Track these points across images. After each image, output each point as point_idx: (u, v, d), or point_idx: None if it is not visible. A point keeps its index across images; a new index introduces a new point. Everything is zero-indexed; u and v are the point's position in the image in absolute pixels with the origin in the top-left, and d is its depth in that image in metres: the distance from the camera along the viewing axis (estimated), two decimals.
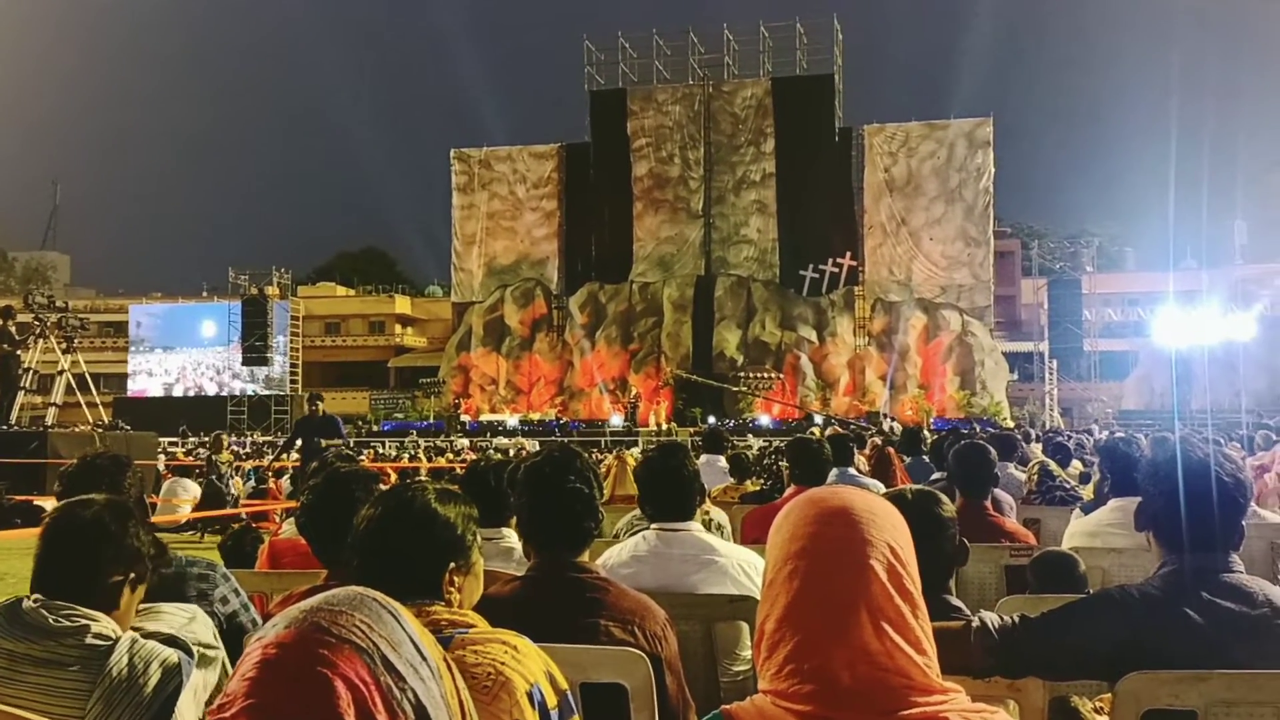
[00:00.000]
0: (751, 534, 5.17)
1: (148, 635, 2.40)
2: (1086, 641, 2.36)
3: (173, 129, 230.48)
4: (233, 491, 14.98)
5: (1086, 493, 6.69)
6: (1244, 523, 2.51)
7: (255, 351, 48.74)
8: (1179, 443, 2.54)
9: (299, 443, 13.80)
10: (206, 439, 37.18)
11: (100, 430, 19.07)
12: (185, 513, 16.01)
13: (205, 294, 63.30)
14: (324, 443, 12.38)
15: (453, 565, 2.16)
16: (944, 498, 2.89)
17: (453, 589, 2.16)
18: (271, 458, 15.02)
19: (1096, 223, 75.64)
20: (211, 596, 3.20)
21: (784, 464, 6.78)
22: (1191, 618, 2.33)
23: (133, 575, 2.47)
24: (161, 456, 23.75)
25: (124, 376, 56.72)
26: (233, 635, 3.13)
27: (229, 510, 14.07)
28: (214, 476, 14.92)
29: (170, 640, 2.34)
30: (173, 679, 2.24)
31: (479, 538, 2.29)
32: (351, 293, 68.92)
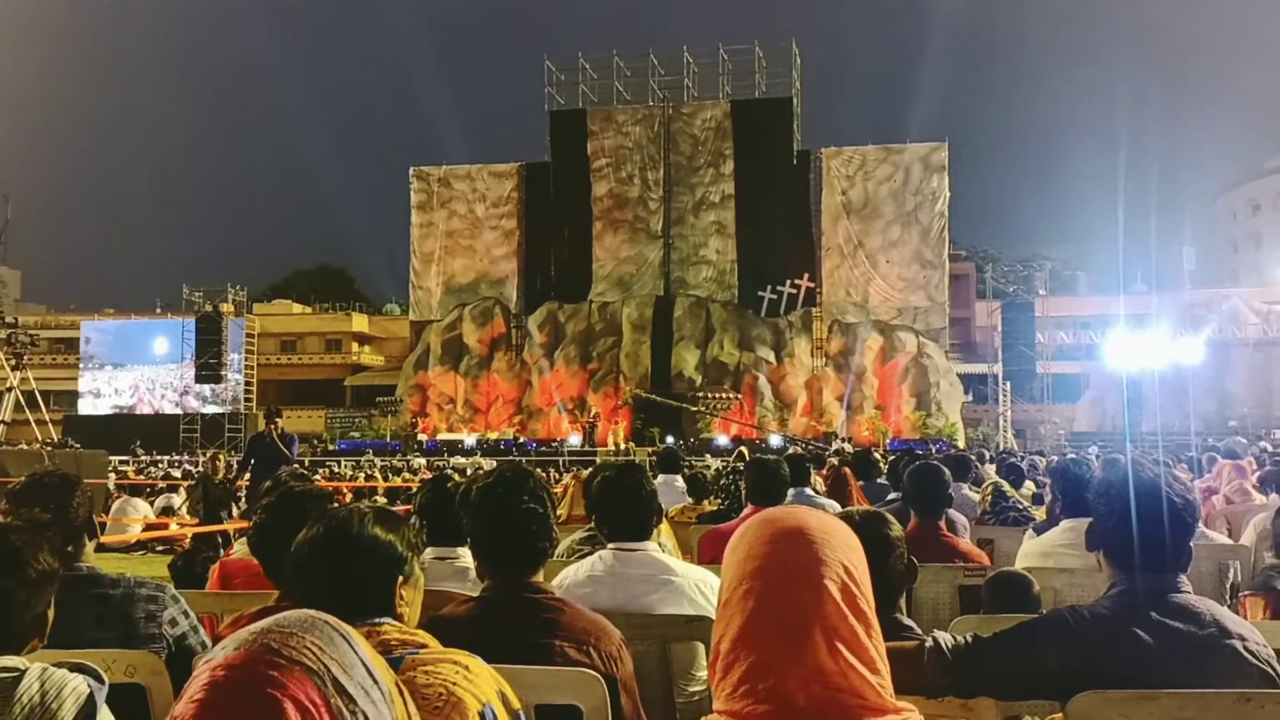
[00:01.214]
0: (709, 554, 5.17)
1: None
2: (1037, 661, 2.38)
3: (128, 144, 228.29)
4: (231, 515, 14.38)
5: (1039, 513, 6.75)
6: (1192, 544, 2.55)
7: (209, 369, 48.19)
8: (1130, 463, 2.57)
9: (251, 463, 13.09)
10: (187, 458, 36.71)
11: (50, 448, 18.78)
12: (135, 532, 15.78)
13: (159, 310, 62.57)
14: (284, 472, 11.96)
15: (400, 579, 2.17)
16: (892, 519, 2.92)
17: (403, 603, 2.16)
18: (231, 479, 14.51)
19: (1049, 246, 76.84)
20: (160, 618, 3.15)
21: (742, 484, 6.79)
22: (1141, 638, 2.36)
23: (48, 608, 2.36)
24: (112, 475, 23.41)
25: (75, 394, 55.88)
26: (181, 658, 3.09)
27: (177, 531, 13.74)
28: (204, 500, 14.52)
29: (78, 668, 2.26)
30: (85, 707, 2.17)
31: (418, 552, 2.29)
32: (308, 310, 68.33)
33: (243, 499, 14.46)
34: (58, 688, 2.14)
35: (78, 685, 2.16)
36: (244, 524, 12.83)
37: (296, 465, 12.53)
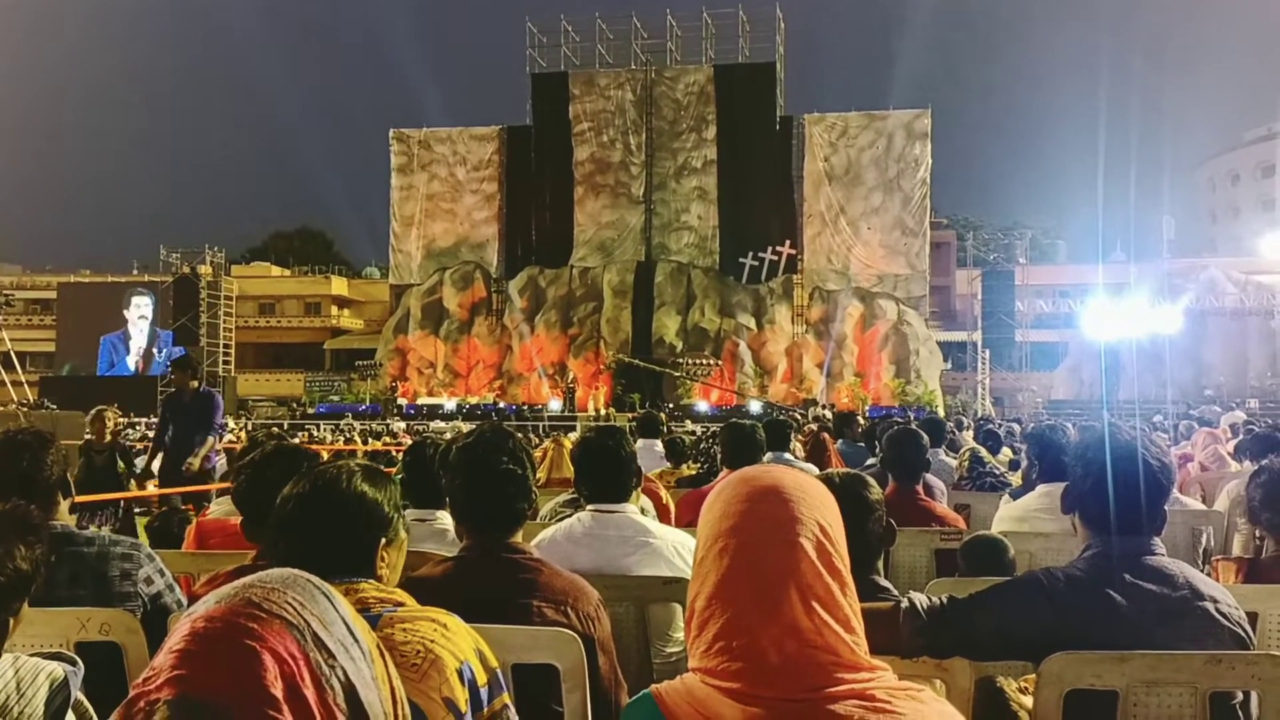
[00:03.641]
0: (686, 517, 5.19)
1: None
2: (1011, 622, 2.40)
3: (106, 104, 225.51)
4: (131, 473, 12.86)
5: (1015, 479, 6.81)
6: (1167, 508, 2.57)
7: (186, 331, 47.90)
8: (1106, 426, 2.59)
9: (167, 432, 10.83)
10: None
11: (25, 409, 18.61)
12: (112, 494, 15.65)
13: (136, 272, 62.03)
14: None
15: (383, 541, 2.16)
16: (871, 481, 2.93)
17: (384, 564, 2.15)
18: (149, 453, 12.54)
19: (1030, 215, 77.33)
20: (135, 576, 3.14)
21: (717, 447, 6.82)
22: (1114, 599, 2.38)
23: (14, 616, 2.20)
24: (89, 436, 23.27)
25: (51, 355, 55.46)
26: (157, 616, 3.08)
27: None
28: (86, 469, 12.98)
29: (55, 656, 2.21)
30: (60, 693, 2.15)
31: (402, 512, 2.28)
32: (286, 273, 67.92)
33: (139, 465, 12.59)
34: (32, 674, 2.12)
35: (53, 670, 2.14)
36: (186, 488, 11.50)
37: (217, 437, 10.85)
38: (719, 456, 5.98)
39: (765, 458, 6.11)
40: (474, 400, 43.90)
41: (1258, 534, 4.19)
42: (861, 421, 11.38)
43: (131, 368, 54.70)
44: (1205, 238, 71.55)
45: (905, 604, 2.41)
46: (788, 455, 7.11)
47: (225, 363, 50.96)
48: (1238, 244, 61.99)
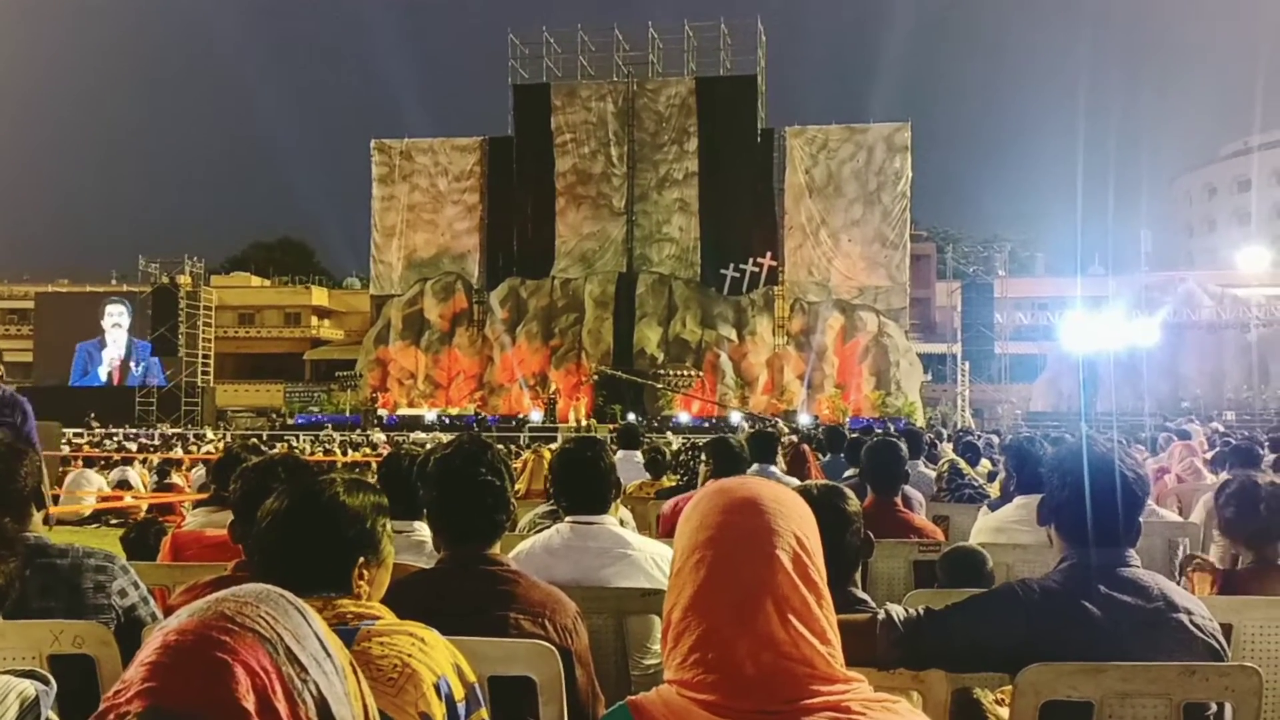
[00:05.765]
0: (668, 526, 5.19)
1: None
2: (988, 633, 2.40)
3: (85, 113, 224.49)
4: None
5: (994, 490, 6.84)
6: (1142, 520, 2.58)
7: (165, 341, 47.63)
8: (1083, 438, 2.60)
9: None
10: (143, 431, 35.42)
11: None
12: (89, 504, 15.62)
13: (114, 282, 61.68)
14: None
15: (362, 560, 2.14)
16: (849, 493, 2.94)
17: (362, 582, 2.13)
18: None
19: (1009, 228, 78.01)
20: (109, 589, 3.11)
21: (703, 461, 6.81)
22: (1090, 611, 2.39)
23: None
24: (66, 447, 23.14)
25: (29, 365, 55.03)
26: (131, 629, 3.05)
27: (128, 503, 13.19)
28: None
29: (27, 674, 2.19)
30: (31, 712, 2.12)
31: (389, 529, 2.26)
32: (266, 283, 67.64)
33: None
34: (2, 693, 2.09)
35: (24, 689, 2.11)
36: (159, 497, 11.30)
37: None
38: (705, 471, 5.95)
39: (750, 470, 6.12)
40: (455, 411, 43.77)
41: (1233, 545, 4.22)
42: (847, 435, 11.38)
43: (103, 378, 54.30)
44: (1182, 251, 72.22)
45: (882, 616, 2.41)
46: (773, 468, 7.10)
47: (204, 373, 50.68)
48: (1214, 257, 62.58)
